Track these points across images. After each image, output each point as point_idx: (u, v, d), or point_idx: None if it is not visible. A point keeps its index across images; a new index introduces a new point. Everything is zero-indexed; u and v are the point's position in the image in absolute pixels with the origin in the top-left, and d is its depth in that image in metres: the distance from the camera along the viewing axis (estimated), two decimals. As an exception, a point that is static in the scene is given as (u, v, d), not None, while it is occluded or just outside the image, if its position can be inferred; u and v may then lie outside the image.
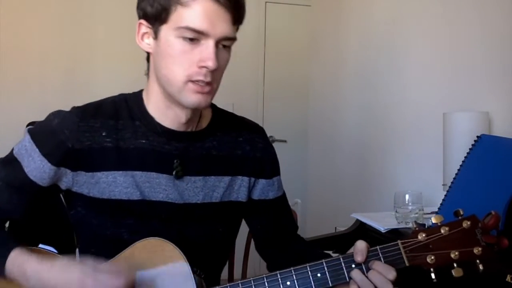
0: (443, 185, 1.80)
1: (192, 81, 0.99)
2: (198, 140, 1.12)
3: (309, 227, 3.37)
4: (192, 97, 1.00)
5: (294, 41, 4.12)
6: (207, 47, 0.97)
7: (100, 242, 1.08)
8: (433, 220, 0.96)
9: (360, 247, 0.95)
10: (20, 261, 0.96)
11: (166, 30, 0.99)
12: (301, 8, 4.05)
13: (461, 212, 0.96)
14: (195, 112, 1.10)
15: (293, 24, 4.17)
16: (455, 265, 0.94)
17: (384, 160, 2.66)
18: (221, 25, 0.97)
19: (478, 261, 0.94)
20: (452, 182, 1.44)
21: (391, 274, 0.92)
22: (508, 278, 1.06)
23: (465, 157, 1.43)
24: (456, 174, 1.44)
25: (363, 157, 2.89)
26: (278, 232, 1.26)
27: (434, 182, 1.94)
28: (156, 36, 1.01)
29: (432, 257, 0.93)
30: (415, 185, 2.17)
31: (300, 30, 4.06)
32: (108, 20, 3.75)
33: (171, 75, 1.00)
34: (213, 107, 1.17)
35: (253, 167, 1.18)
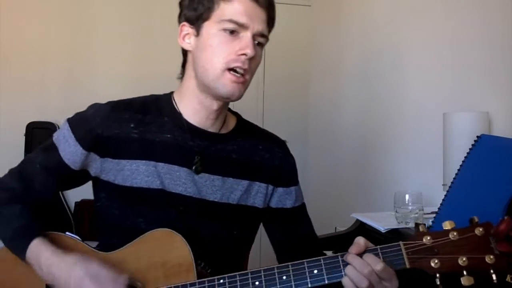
0: (443, 185, 1.80)
1: (229, 70, 1.08)
2: (220, 142, 1.18)
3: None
4: (228, 86, 1.08)
5: (294, 41, 4.12)
6: (246, 38, 1.07)
7: (120, 232, 1.13)
8: (445, 226, 0.92)
9: (357, 241, 0.96)
10: (38, 250, 1.04)
11: (208, 26, 1.09)
12: (301, 8, 4.05)
13: (476, 220, 0.92)
14: (224, 108, 1.17)
15: (293, 24, 4.17)
16: (464, 272, 0.89)
17: (384, 160, 2.66)
18: (258, 21, 1.08)
19: (491, 270, 0.88)
20: (452, 182, 1.44)
21: (378, 264, 0.91)
22: (508, 278, 1.06)
23: (465, 157, 1.43)
24: (456, 174, 1.43)
25: (363, 157, 2.89)
26: (296, 242, 1.26)
27: (434, 182, 1.94)
28: (198, 33, 1.11)
29: (436, 261, 0.90)
30: (415, 185, 2.17)
31: (300, 30, 4.05)
32: (109, 20, 3.75)
33: (209, 65, 1.08)
34: (238, 116, 1.26)
35: (271, 174, 1.22)
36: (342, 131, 3.17)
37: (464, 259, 0.89)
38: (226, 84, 1.08)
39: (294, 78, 4.10)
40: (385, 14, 2.70)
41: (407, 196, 1.62)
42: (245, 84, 1.10)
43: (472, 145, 1.42)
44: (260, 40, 1.10)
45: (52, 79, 3.68)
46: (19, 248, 1.06)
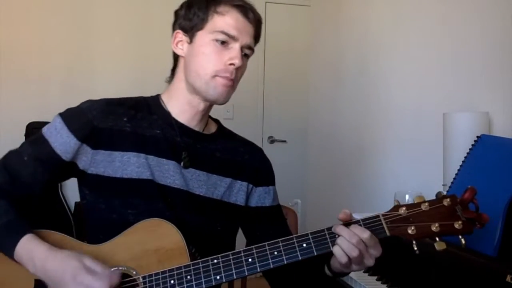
0: (443, 185, 1.80)
1: (219, 76, 1.17)
2: (205, 141, 1.26)
3: (309, 227, 3.37)
4: (219, 89, 1.18)
5: (294, 41, 4.12)
6: (234, 49, 1.18)
7: (107, 227, 1.15)
8: (415, 200, 1.02)
9: (343, 210, 1.06)
10: (30, 246, 1.04)
11: (201, 35, 1.19)
12: (301, 8, 4.05)
13: (443, 193, 1.02)
14: (208, 110, 1.26)
15: (293, 24, 4.17)
16: (437, 238, 0.98)
17: (384, 159, 2.66)
18: (246, 35, 1.19)
19: (460, 236, 0.98)
20: (452, 182, 1.44)
21: (365, 232, 1.00)
22: (508, 278, 1.07)
23: (465, 157, 1.43)
24: (456, 174, 1.44)
25: (363, 157, 2.89)
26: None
27: (434, 182, 1.94)
28: (191, 40, 1.20)
29: (413, 228, 0.99)
30: (415, 185, 2.17)
31: (300, 30, 4.06)
32: (108, 20, 3.75)
33: (201, 69, 1.18)
34: (218, 123, 1.34)
35: (251, 174, 1.30)
36: (342, 131, 3.17)
37: (436, 225, 0.98)
38: (217, 86, 1.17)
39: (294, 78, 4.10)
40: (384, 14, 2.70)
41: (407, 196, 1.63)
42: (232, 89, 1.20)
43: (472, 145, 1.42)
44: (247, 52, 1.20)
45: (51, 79, 3.68)
46: (7, 244, 1.05)
